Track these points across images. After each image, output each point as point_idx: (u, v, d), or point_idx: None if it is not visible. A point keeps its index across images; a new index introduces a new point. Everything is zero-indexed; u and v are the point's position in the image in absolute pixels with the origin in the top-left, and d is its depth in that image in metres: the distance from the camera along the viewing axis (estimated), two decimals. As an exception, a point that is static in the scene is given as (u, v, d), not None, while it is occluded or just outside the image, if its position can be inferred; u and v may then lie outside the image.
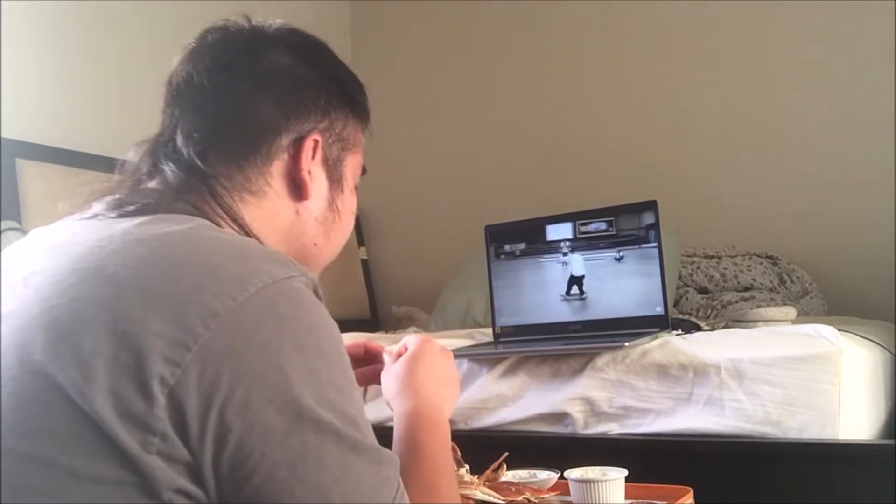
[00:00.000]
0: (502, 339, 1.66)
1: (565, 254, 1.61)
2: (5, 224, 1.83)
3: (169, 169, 0.76)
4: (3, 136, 1.95)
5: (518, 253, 1.67)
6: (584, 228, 1.60)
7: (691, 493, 1.05)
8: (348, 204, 0.88)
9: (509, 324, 1.67)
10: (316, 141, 0.81)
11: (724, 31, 2.63)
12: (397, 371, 0.91)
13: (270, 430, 0.57)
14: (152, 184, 0.77)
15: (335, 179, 0.85)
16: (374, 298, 3.08)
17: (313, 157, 0.81)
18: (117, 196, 0.73)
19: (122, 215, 0.70)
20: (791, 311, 1.55)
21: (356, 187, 0.90)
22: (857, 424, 1.29)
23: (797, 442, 1.26)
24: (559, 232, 1.62)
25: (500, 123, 2.99)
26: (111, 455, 0.57)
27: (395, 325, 2.68)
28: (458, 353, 1.55)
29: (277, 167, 0.80)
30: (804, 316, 1.99)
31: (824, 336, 1.31)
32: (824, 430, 1.25)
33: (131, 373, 0.57)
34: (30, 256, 0.68)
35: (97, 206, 0.73)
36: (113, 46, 2.28)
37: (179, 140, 0.78)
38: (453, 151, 3.06)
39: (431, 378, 0.90)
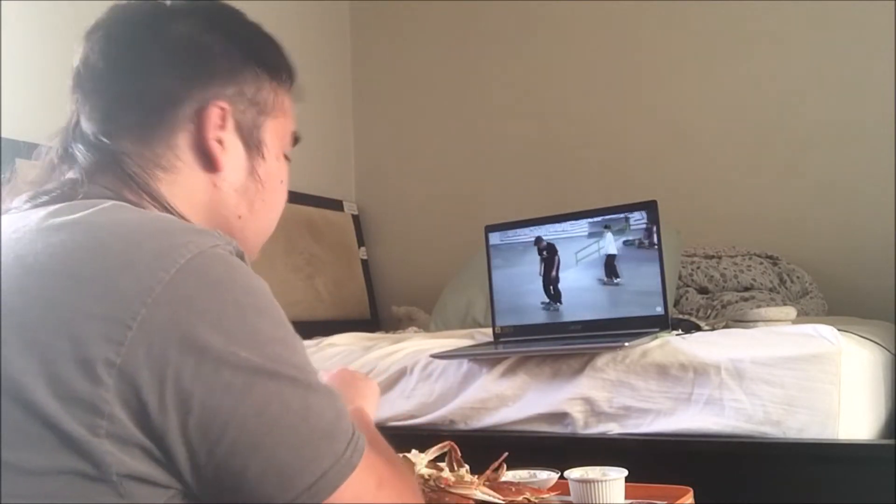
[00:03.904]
0: (502, 339, 1.66)
1: (565, 254, 1.61)
2: (5, 224, 1.83)
3: (79, 152, 0.76)
4: (3, 136, 1.95)
5: (518, 253, 1.67)
6: (584, 228, 1.60)
7: (691, 493, 1.04)
8: (273, 172, 0.84)
9: (509, 324, 1.67)
10: (223, 108, 0.78)
11: (724, 31, 2.62)
12: None
13: (230, 388, 0.59)
14: (66, 170, 0.76)
15: (253, 146, 0.82)
16: (374, 298, 3.08)
17: (223, 125, 0.79)
18: (34, 189, 0.73)
19: (35, 206, 0.70)
20: (791, 311, 1.55)
21: (287, 156, 0.87)
22: (857, 424, 1.29)
23: (797, 442, 1.25)
24: (559, 232, 1.62)
25: (499, 123, 2.99)
26: (57, 445, 0.57)
27: (395, 325, 2.68)
28: (459, 354, 1.55)
29: (184, 139, 0.77)
30: (804, 316, 1.99)
31: (824, 336, 1.31)
32: (824, 430, 1.25)
33: (71, 357, 0.57)
34: None
35: (15, 202, 0.73)
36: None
37: (83, 123, 0.78)
38: (453, 151, 3.06)
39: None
